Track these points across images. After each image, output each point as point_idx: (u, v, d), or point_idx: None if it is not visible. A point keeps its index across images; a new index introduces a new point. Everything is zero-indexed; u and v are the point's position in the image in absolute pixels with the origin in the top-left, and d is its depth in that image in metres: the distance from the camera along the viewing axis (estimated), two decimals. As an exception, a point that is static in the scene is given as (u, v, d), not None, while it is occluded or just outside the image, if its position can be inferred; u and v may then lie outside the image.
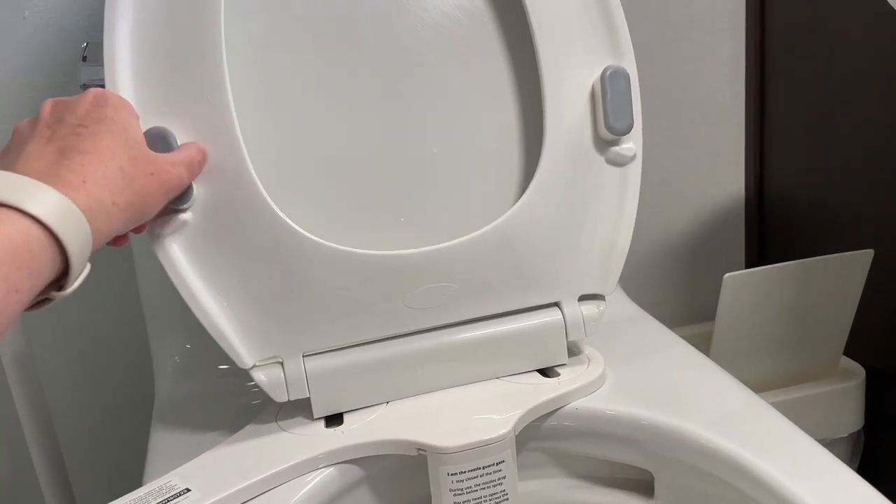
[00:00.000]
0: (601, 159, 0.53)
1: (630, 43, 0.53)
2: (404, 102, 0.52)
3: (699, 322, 0.91)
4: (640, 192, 0.53)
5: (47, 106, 0.40)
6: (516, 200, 0.52)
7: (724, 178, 0.88)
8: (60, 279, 0.34)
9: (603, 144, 0.53)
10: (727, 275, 0.67)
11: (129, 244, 0.59)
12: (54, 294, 0.35)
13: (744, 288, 0.68)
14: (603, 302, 0.53)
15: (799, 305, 0.70)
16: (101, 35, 0.54)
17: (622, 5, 0.53)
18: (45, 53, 0.67)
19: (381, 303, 0.49)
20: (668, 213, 0.88)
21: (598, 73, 0.52)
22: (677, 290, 0.91)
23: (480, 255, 0.50)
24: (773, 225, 0.88)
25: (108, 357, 0.75)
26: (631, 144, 0.53)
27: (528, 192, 0.51)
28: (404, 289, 0.49)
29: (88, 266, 0.36)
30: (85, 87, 0.56)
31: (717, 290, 0.91)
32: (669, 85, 0.83)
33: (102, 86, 0.55)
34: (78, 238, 0.34)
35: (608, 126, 0.51)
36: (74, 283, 0.35)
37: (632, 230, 0.53)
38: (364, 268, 0.48)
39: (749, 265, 0.91)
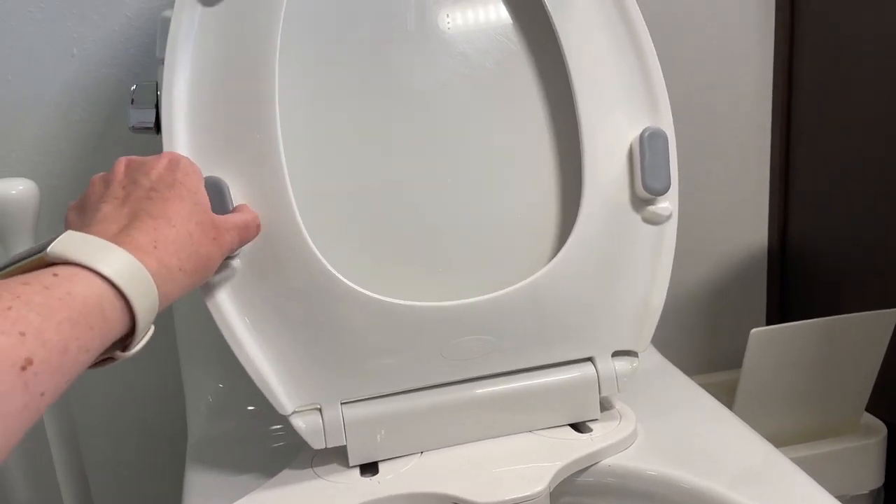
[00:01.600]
0: (637, 217, 0.54)
1: (668, 104, 0.54)
2: (447, 155, 0.53)
3: (720, 370, 0.91)
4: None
5: (121, 165, 0.41)
6: (553, 254, 0.53)
7: (748, 228, 0.89)
8: (125, 339, 0.35)
9: (639, 203, 0.54)
10: (754, 330, 0.68)
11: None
12: (118, 354, 0.35)
13: (770, 343, 0.69)
14: (636, 358, 0.54)
15: (823, 362, 0.71)
16: (150, 77, 0.56)
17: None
18: (91, 91, 0.69)
19: (418, 353, 0.50)
20: (690, 261, 0.89)
21: (636, 133, 0.53)
22: (698, 337, 0.92)
23: (517, 309, 0.51)
24: (795, 276, 0.88)
25: (141, 392, 0.76)
26: (667, 204, 0.54)
27: (565, 247, 0.52)
28: (442, 340, 0.50)
29: (152, 328, 0.36)
30: (133, 129, 0.58)
31: (738, 338, 0.92)
32: (695, 136, 0.84)
33: (150, 129, 0.57)
34: (146, 301, 0.34)
35: (645, 186, 0.53)
36: (139, 345, 0.36)
37: (666, 288, 0.54)
38: (404, 319, 0.49)
39: (770, 315, 0.92)
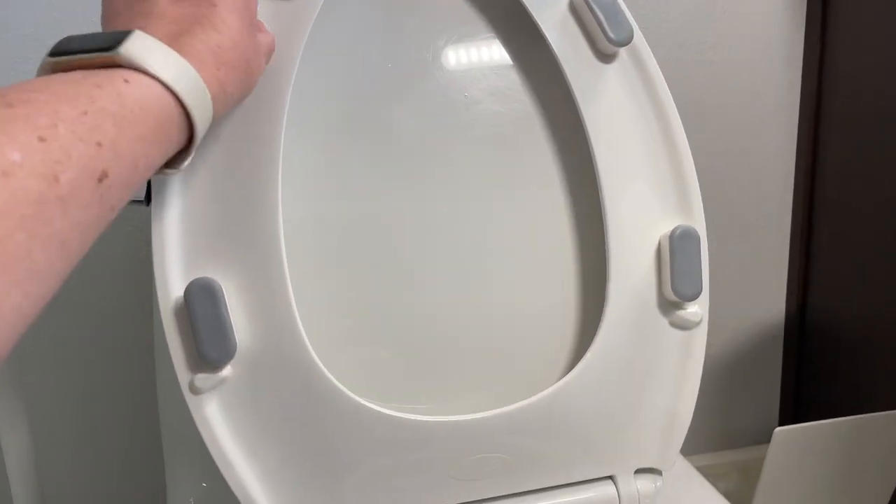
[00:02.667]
0: (665, 322, 0.50)
1: (700, 202, 0.50)
2: (458, 259, 0.49)
3: (734, 447, 0.87)
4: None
5: None
6: (573, 359, 0.49)
7: (765, 302, 0.86)
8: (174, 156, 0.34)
9: (667, 306, 0.50)
10: (777, 429, 0.64)
11: (152, 374, 0.56)
12: (164, 171, 0.34)
13: (793, 443, 0.65)
14: (660, 477, 0.50)
15: (846, 461, 0.67)
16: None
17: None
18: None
19: (425, 472, 0.46)
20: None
21: (665, 230, 0.49)
22: (712, 414, 0.88)
23: (533, 424, 0.47)
24: (812, 353, 0.85)
25: (120, 487, 0.71)
26: (697, 309, 0.50)
27: (588, 354, 0.48)
28: (452, 459, 0.46)
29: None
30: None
31: (752, 415, 0.88)
32: (713, 205, 0.81)
33: (141, 202, 0.52)
34: (204, 124, 0.33)
35: (675, 290, 0.49)
36: (185, 162, 0.34)
37: (695, 400, 0.50)
38: (411, 436, 0.45)
39: (784, 393, 0.88)
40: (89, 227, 0.27)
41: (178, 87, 0.31)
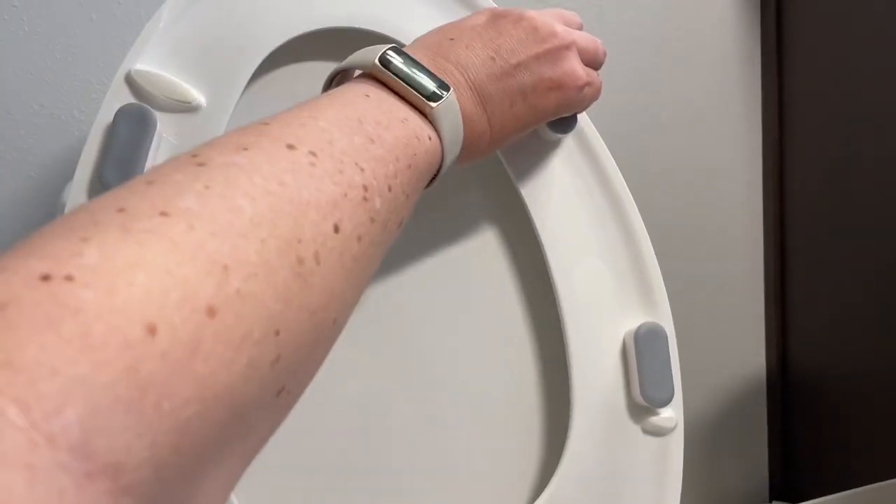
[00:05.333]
0: (637, 429, 0.46)
1: (665, 294, 0.46)
2: (412, 375, 0.44)
3: (723, 512, 0.83)
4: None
5: (522, 27, 0.36)
6: (540, 485, 0.44)
7: (745, 356, 0.82)
8: None
9: (638, 411, 0.45)
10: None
11: None
12: None
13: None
14: None
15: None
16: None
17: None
18: None
19: None
20: (686, 394, 0.81)
21: (629, 328, 0.45)
22: (696, 474, 0.83)
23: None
24: (798, 406, 0.81)
25: None
26: (671, 413, 0.45)
27: (555, 477, 0.43)
28: None
29: None
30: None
31: (739, 474, 0.84)
32: (685, 262, 0.77)
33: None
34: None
35: (645, 395, 0.44)
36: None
37: (676, 513, 0.45)
38: None
39: (772, 449, 0.84)
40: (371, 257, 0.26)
41: (447, 151, 0.32)
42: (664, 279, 0.46)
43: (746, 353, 0.81)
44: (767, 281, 0.79)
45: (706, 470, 0.83)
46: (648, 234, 0.46)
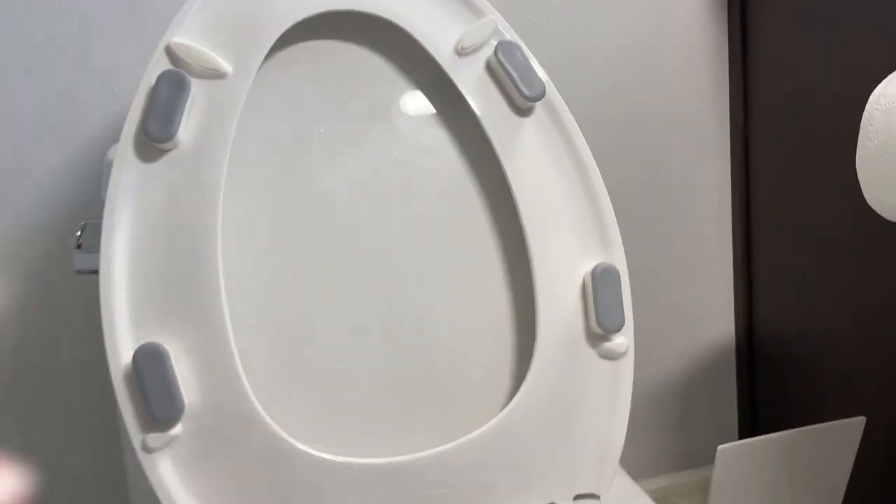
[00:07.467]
0: (593, 353, 0.53)
1: (619, 238, 0.54)
2: (396, 308, 0.52)
3: (692, 467, 0.90)
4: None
5: None
6: (508, 396, 0.52)
7: (714, 321, 0.89)
8: None
9: (595, 338, 0.53)
10: (720, 447, 0.66)
11: (122, 447, 0.58)
12: None
13: (738, 459, 0.67)
14: (598, 500, 0.52)
15: (792, 474, 0.70)
16: (99, 217, 0.55)
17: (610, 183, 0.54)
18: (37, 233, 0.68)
19: (373, 512, 0.48)
20: (657, 358, 0.88)
21: (588, 268, 0.53)
22: (668, 434, 0.90)
23: (474, 459, 0.50)
24: (764, 367, 0.88)
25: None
26: (623, 339, 0.53)
27: (521, 390, 0.51)
28: (396, 499, 0.48)
29: None
30: (80, 272, 0.57)
31: (709, 434, 0.91)
32: (659, 234, 0.84)
33: (96, 272, 0.55)
34: None
35: (600, 324, 0.52)
36: None
37: (625, 426, 0.53)
38: (355, 477, 0.48)
39: (742, 409, 0.91)
40: None
41: None
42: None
43: (717, 320, 0.89)
44: (735, 252, 0.87)
45: (678, 428, 0.90)
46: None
